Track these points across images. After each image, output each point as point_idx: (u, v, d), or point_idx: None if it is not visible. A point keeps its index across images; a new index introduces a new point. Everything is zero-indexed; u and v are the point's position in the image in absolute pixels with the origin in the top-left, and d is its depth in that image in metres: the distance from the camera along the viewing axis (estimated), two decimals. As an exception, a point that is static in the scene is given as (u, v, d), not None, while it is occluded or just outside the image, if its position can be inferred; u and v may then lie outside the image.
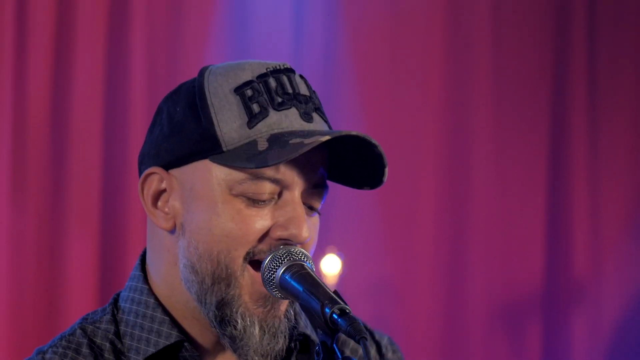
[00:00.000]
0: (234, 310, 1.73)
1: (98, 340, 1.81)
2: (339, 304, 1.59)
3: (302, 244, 1.73)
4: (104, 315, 1.84)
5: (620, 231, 5.04)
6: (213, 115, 1.73)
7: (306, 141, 1.67)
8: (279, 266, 1.69)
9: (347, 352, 1.91)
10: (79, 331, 1.83)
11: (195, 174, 1.75)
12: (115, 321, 1.82)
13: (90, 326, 1.83)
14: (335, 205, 4.80)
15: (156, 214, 1.79)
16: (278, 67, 1.78)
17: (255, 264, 1.73)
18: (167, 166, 1.77)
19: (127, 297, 1.83)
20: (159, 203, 1.79)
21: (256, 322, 1.73)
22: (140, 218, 4.42)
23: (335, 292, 1.63)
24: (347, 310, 1.58)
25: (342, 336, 1.90)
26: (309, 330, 1.85)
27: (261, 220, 1.72)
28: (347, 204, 4.82)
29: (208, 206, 1.73)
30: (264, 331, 1.73)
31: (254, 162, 1.68)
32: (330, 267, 4.69)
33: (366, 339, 1.53)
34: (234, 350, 1.75)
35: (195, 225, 1.74)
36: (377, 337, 2.01)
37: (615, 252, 5.03)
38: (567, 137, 5.04)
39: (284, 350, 1.76)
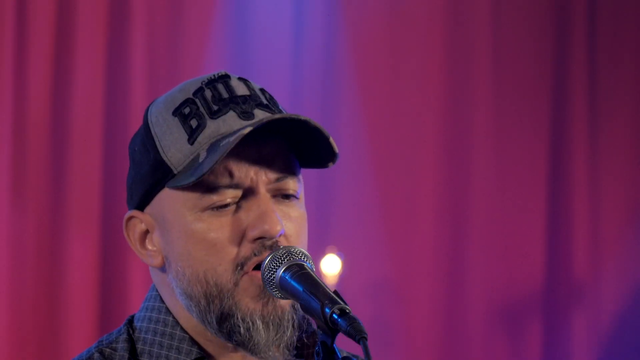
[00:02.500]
0: (235, 317, 1.73)
1: None
2: (339, 304, 1.59)
3: (279, 236, 1.73)
4: (120, 335, 1.84)
5: (620, 231, 5.03)
6: (157, 143, 1.75)
7: (232, 138, 1.68)
8: (279, 266, 1.69)
9: None
10: (96, 355, 1.81)
11: (161, 205, 1.77)
12: (131, 340, 1.82)
13: (108, 349, 1.82)
14: (335, 205, 4.80)
15: (145, 254, 1.82)
16: (213, 77, 1.79)
17: (246, 272, 1.74)
18: (141, 206, 1.80)
19: (144, 316, 1.83)
20: (146, 243, 1.81)
21: (257, 319, 1.73)
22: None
23: (335, 292, 1.62)
24: (347, 310, 1.58)
25: None
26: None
27: (232, 226, 1.74)
28: (347, 203, 4.83)
29: (181, 231, 1.75)
30: (268, 324, 1.73)
31: (193, 176, 1.70)
32: (330, 267, 4.69)
33: (366, 339, 1.53)
34: (252, 353, 1.75)
35: (176, 253, 1.76)
36: None
37: (615, 252, 5.03)
38: (567, 137, 5.04)
39: (295, 340, 1.76)
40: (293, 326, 1.75)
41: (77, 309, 4.40)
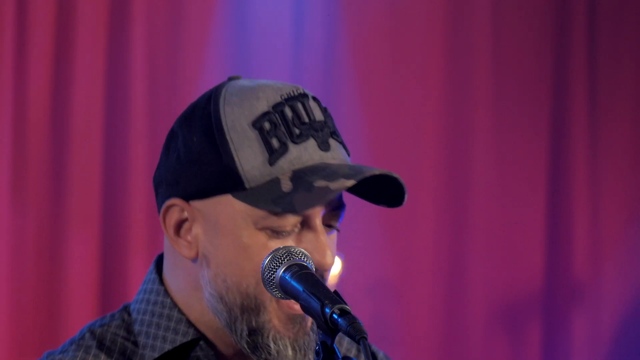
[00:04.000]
0: (266, 335, 1.75)
1: (107, 343, 1.83)
2: (339, 303, 1.59)
3: (325, 270, 1.77)
4: (113, 320, 1.86)
5: (620, 232, 5.03)
6: (233, 151, 1.74)
7: (332, 186, 1.71)
8: (279, 266, 1.69)
9: None
10: (87, 334, 1.84)
11: (217, 208, 1.76)
12: (125, 325, 1.85)
13: (99, 329, 1.85)
14: (335, 205, 4.80)
15: (179, 242, 1.80)
16: (292, 94, 1.79)
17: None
18: (188, 197, 1.78)
19: (142, 299, 1.86)
20: (181, 232, 1.80)
21: (288, 344, 1.75)
22: (141, 218, 4.42)
23: (335, 292, 1.63)
24: (348, 310, 1.58)
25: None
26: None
27: None
28: (347, 203, 4.82)
29: (233, 241, 1.75)
30: (296, 351, 1.76)
31: (280, 206, 1.71)
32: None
33: (366, 339, 1.53)
34: None
35: (222, 259, 1.76)
36: (373, 349, 2.02)
37: (615, 253, 5.03)
38: (568, 137, 5.04)
39: None
40: (312, 350, 1.77)
41: (77, 309, 4.40)
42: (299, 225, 1.76)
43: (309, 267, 1.70)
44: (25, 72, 4.41)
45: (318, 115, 1.79)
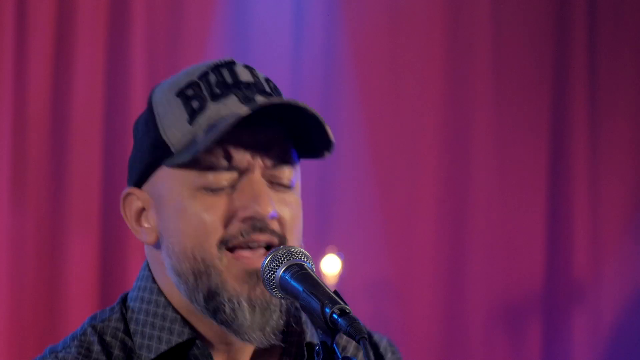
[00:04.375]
0: (221, 297, 1.75)
1: (107, 338, 1.83)
2: (339, 304, 1.59)
3: (271, 218, 1.76)
4: (113, 314, 1.86)
5: (620, 231, 5.04)
6: (158, 122, 1.79)
7: (228, 120, 1.71)
8: (279, 266, 1.69)
9: None
10: (89, 329, 1.85)
11: (158, 183, 1.80)
12: (124, 320, 1.85)
13: (100, 324, 1.85)
14: (335, 205, 4.80)
15: (139, 231, 1.83)
16: (219, 63, 1.83)
17: (232, 251, 1.76)
18: (138, 184, 1.83)
19: (137, 296, 1.85)
20: (142, 220, 1.83)
21: (243, 301, 1.74)
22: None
23: (335, 292, 1.63)
24: (347, 310, 1.58)
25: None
26: (315, 339, 1.85)
27: (224, 205, 1.76)
28: (347, 203, 4.83)
29: (174, 208, 1.77)
30: (254, 307, 1.75)
31: (189, 153, 1.73)
32: (330, 267, 4.69)
33: (366, 339, 1.53)
34: (235, 334, 1.76)
35: (169, 230, 1.78)
36: (375, 338, 2.02)
37: (615, 253, 5.03)
38: (568, 137, 5.04)
39: (282, 324, 1.77)
40: (280, 311, 1.77)
41: (77, 308, 4.40)
42: (236, 182, 1.77)
43: (309, 267, 1.70)
44: (25, 72, 4.41)
45: (245, 77, 1.81)
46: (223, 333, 1.79)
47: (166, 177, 1.78)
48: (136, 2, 4.55)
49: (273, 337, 1.76)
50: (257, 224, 1.75)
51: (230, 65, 1.82)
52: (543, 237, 5.00)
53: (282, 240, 1.77)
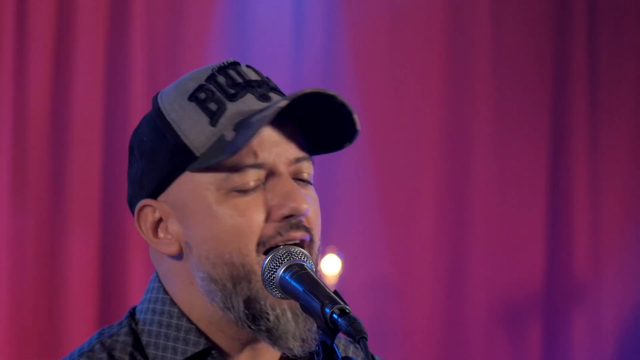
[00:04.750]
0: (262, 303, 1.72)
1: (117, 354, 1.78)
2: (339, 304, 1.59)
3: (305, 216, 1.74)
4: (121, 328, 1.82)
5: (620, 231, 5.04)
6: (176, 128, 1.75)
7: (267, 112, 1.69)
8: (279, 266, 1.69)
9: None
10: (97, 346, 1.80)
11: (181, 190, 1.76)
12: (133, 334, 1.80)
13: (109, 340, 1.80)
14: (335, 205, 4.80)
15: (159, 242, 1.78)
16: (223, 64, 1.80)
17: (269, 252, 1.73)
18: (154, 195, 1.78)
19: (147, 308, 1.81)
20: (160, 233, 1.78)
21: (287, 309, 1.72)
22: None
23: (335, 292, 1.62)
24: (347, 310, 1.57)
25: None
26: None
27: (257, 206, 1.73)
28: (347, 203, 4.83)
29: (204, 214, 1.74)
30: (297, 315, 1.72)
31: (226, 152, 1.69)
32: (330, 267, 4.69)
33: (366, 339, 1.53)
34: (274, 343, 1.73)
35: (199, 237, 1.74)
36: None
37: (615, 253, 5.03)
38: (568, 137, 5.04)
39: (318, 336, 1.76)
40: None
41: (77, 309, 4.40)
42: (264, 180, 1.74)
43: (309, 267, 1.70)
44: (25, 72, 4.41)
45: (253, 76, 1.79)
46: (242, 347, 1.77)
47: (190, 183, 1.74)
48: (136, 2, 4.55)
49: (312, 346, 1.74)
50: (293, 222, 1.73)
51: (235, 66, 1.80)
52: (543, 237, 5.00)
53: (312, 236, 1.76)
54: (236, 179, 1.72)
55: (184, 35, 4.63)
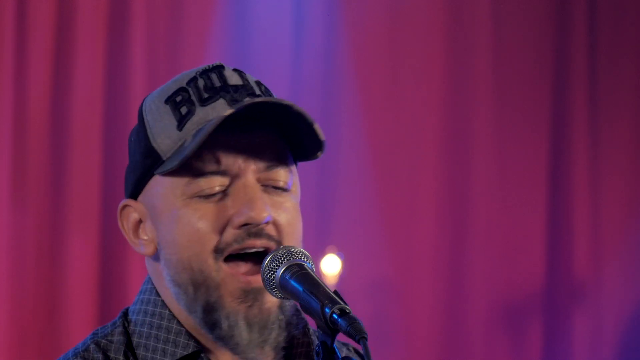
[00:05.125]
0: (219, 312, 1.73)
1: (112, 355, 1.79)
2: (339, 304, 1.59)
3: (265, 222, 1.73)
4: (115, 328, 1.82)
5: (621, 232, 5.03)
6: (148, 130, 1.77)
7: (214, 121, 1.69)
8: (279, 266, 1.69)
9: None
10: (92, 346, 1.81)
11: (152, 193, 1.77)
12: (127, 334, 1.81)
13: (103, 340, 1.81)
14: (335, 205, 4.80)
15: (137, 243, 1.81)
16: (208, 67, 1.80)
17: (230, 259, 1.73)
18: (133, 196, 1.80)
19: (140, 309, 1.82)
20: (140, 232, 1.80)
21: (240, 319, 1.72)
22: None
23: (335, 292, 1.62)
24: (347, 310, 1.57)
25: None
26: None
27: (218, 212, 1.73)
28: (347, 203, 4.82)
29: (169, 217, 1.75)
30: (251, 326, 1.72)
31: (176, 160, 1.70)
32: (330, 267, 4.69)
33: (366, 339, 1.53)
34: (233, 352, 1.75)
35: (164, 240, 1.76)
36: None
37: (616, 253, 5.03)
38: (568, 137, 5.04)
39: (282, 340, 1.75)
40: (280, 327, 1.75)
41: (77, 309, 4.40)
42: (229, 187, 1.74)
43: (309, 267, 1.69)
44: (25, 73, 4.41)
45: (235, 80, 1.78)
46: (228, 350, 1.77)
47: (158, 186, 1.76)
48: (136, 2, 4.54)
49: (273, 353, 1.75)
50: (252, 230, 1.73)
51: (219, 69, 1.79)
52: (543, 237, 5.00)
53: (279, 245, 1.74)
54: (199, 184, 1.73)
55: (184, 35, 4.63)
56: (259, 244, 1.73)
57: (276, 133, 1.77)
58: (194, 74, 1.79)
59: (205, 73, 1.78)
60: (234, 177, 1.74)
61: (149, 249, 1.79)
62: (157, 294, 1.81)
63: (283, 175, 1.77)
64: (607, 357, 4.99)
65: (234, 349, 1.74)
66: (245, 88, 1.78)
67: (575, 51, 5.05)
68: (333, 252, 4.71)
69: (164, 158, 1.74)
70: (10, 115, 4.37)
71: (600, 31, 5.07)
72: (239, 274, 1.73)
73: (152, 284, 1.82)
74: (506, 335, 4.95)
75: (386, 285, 4.87)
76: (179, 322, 1.78)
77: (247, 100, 1.75)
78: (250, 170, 1.74)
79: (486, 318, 4.92)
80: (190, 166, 1.72)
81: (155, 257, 1.79)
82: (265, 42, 4.75)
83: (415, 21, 4.93)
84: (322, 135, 1.75)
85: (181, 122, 1.74)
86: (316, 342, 1.82)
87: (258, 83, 1.81)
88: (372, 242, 4.85)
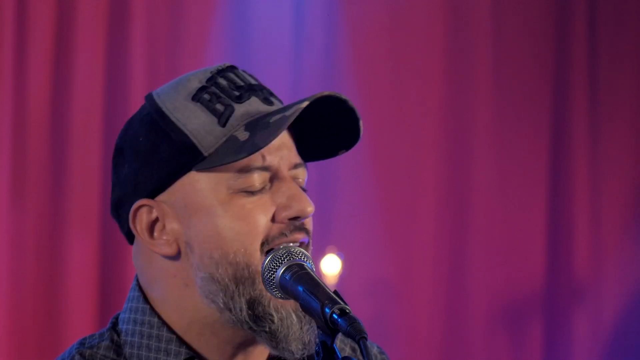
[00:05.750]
0: (266, 304, 1.72)
1: None
2: (339, 304, 1.59)
3: (308, 217, 1.75)
4: (102, 340, 1.81)
5: (620, 231, 5.04)
6: (182, 127, 1.75)
7: (287, 113, 1.69)
8: (279, 266, 1.69)
9: None
10: (77, 356, 1.79)
11: (184, 190, 1.75)
12: (115, 346, 1.80)
13: (88, 351, 1.80)
14: (335, 205, 4.80)
15: (156, 243, 1.77)
16: (221, 67, 1.80)
17: (269, 252, 1.73)
18: (152, 194, 1.77)
19: (129, 318, 1.81)
20: (155, 233, 1.77)
21: (291, 311, 1.72)
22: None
23: (335, 292, 1.63)
24: (347, 310, 1.58)
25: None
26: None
27: (263, 207, 1.73)
28: (348, 203, 4.83)
29: (209, 214, 1.73)
30: (301, 318, 1.72)
31: (244, 151, 1.70)
32: (330, 267, 4.69)
33: (366, 339, 1.53)
34: (275, 345, 1.73)
35: (203, 237, 1.74)
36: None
37: (615, 252, 5.03)
38: (568, 137, 5.04)
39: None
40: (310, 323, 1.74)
41: (77, 309, 4.40)
42: (268, 183, 1.75)
43: (309, 267, 1.70)
44: (25, 72, 4.41)
45: (252, 80, 1.80)
46: (233, 347, 1.77)
47: (194, 184, 1.74)
48: (136, 2, 4.55)
49: (311, 350, 1.74)
50: (297, 224, 1.74)
51: (233, 69, 1.81)
52: (544, 237, 5.00)
53: (309, 238, 1.77)
54: (244, 180, 1.73)
55: (184, 35, 4.63)
56: (301, 237, 1.75)
57: (293, 133, 1.79)
58: (209, 74, 1.79)
59: (221, 73, 1.79)
60: (274, 172, 1.75)
61: (170, 249, 1.76)
62: (145, 302, 1.79)
63: (303, 173, 1.80)
64: (607, 357, 4.99)
65: (280, 341, 1.72)
66: (264, 88, 1.80)
67: (575, 51, 5.05)
68: (333, 252, 4.71)
69: (205, 153, 1.72)
70: (10, 115, 4.37)
71: (600, 31, 5.08)
72: None
73: (140, 291, 1.81)
74: (506, 335, 4.95)
75: (386, 285, 4.87)
76: (169, 328, 1.77)
77: (276, 101, 1.78)
78: (285, 166, 1.76)
79: (486, 318, 4.92)
80: (235, 162, 1.72)
81: (174, 257, 1.76)
82: (265, 42, 4.76)
83: (415, 21, 4.94)
84: (361, 130, 1.78)
85: (222, 118, 1.74)
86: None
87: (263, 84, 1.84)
88: (372, 242, 4.85)
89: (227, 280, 1.72)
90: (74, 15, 4.47)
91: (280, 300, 1.71)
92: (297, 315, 1.72)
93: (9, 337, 4.35)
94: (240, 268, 1.72)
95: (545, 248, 5.00)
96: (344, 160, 4.78)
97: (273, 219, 1.73)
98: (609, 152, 5.04)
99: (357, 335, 1.54)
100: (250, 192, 1.73)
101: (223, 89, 1.77)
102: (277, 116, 1.70)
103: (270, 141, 1.68)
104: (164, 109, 1.78)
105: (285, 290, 1.68)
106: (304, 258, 1.70)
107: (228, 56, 4.69)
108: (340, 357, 1.60)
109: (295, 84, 4.80)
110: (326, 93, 1.72)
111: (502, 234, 4.95)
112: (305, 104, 1.69)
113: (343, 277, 4.69)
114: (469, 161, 4.96)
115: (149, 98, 1.83)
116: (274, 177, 1.75)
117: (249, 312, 1.72)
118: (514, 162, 4.99)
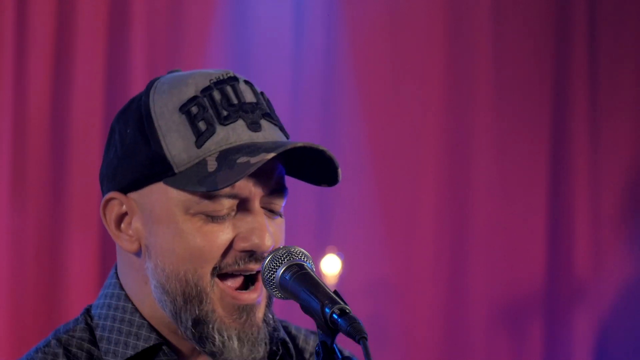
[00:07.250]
0: (210, 326, 1.74)
1: (73, 349, 1.82)
2: (339, 304, 1.59)
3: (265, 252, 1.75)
4: (77, 324, 1.86)
5: (621, 231, 5.04)
6: (161, 138, 1.75)
7: (252, 160, 1.69)
8: (279, 266, 1.69)
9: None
10: (53, 342, 1.84)
11: (152, 197, 1.77)
12: (89, 329, 1.84)
13: (65, 335, 1.84)
14: (336, 205, 4.80)
15: (121, 237, 1.81)
16: (221, 78, 1.79)
17: (223, 277, 1.75)
18: (125, 190, 1.80)
19: (103, 304, 1.85)
20: (122, 226, 1.81)
21: (234, 335, 1.74)
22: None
23: (335, 292, 1.63)
24: (347, 310, 1.58)
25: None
26: (287, 337, 1.87)
27: (223, 234, 1.74)
28: (348, 204, 4.82)
29: (169, 228, 1.75)
30: (243, 342, 1.74)
31: (204, 185, 1.70)
32: (330, 267, 4.69)
33: (366, 339, 1.53)
34: None
35: (159, 248, 1.76)
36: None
37: (616, 252, 5.03)
38: (568, 137, 5.04)
39: (266, 357, 1.78)
40: (265, 343, 1.77)
41: (77, 309, 4.38)
42: (235, 209, 1.75)
43: (309, 267, 1.70)
44: (25, 72, 4.41)
45: (249, 98, 1.79)
46: (192, 346, 1.79)
47: (162, 194, 1.76)
48: (136, 2, 4.54)
49: None
50: (255, 256, 1.75)
51: (232, 81, 1.79)
52: (544, 237, 5.00)
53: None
54: (209, 205, 1.74)
55: (184, 35, 4.63)
56: (255, 268, 1.76)
57: (280, 158, 1.78)
58: (207, 83, 1.78)
59: (219, 84, 1.78)
60: (243, 200, 1.75)
61: (133, 246, 1.80)
62: (121, 288, 1.83)
63: (280, 202, 1.79)
64: (607, 357, 4.99)
65: None
66: (258, 106, 1.79)
67: (575, 51, 5.05)
68: (333, 252, 4.71)
69: (176, 170, 1.74)
70: (10, 115, 4.37)
71: (600, 31, 5.07)
72: (233, 290, 1.75)
73: (117, 278, 1.85)
74: (506, 335, 4.95)
75: (386, 285, 4.87)
76: (141, 315, 1.80)
77: (265, 124, 1.77)
78: (257, 194, 1.76)
79: (486, 318, 4.92)
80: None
81: (138, 254, 1.80)
82: (265, 42, 4.75)
83: (415, 21, 4.94)
84: (340, 177, 1.79)
85: (200, 139, 1.74)
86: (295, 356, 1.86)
87: (262, 94, 1.82)
88: (372, 242, 4.85)
89: (176, 295, 1.75)
90: (74, 15, 4.47)
91: (227, 321, 1.73)
92: (239, 340, 1.74)
93: (9, 337, 4.35)
94: (189, 286, 1.74)
95: (545, 248, 5.00)
96: (344, 160, 4.78)
97: (230, 246, 1.74)
98: (609, 152, 5.04)
99: (357, 335, 1.54)
100: (212, 217, 1.74)
101: (214, 104, 1.76)
102: (245, 159, 1.70)
103: (229, 185, 1.69)
104: (152, 111, 1.77)
105: (285, 290, 1.68)
106: (304, 258, 1.71)
107: (228, 56, 4.69)
108: (340, 357, 1.60)
109: (295, 84, 4.80)
110: (299, 144, 1.72)
111: (502, 234, 4.95)
112: (270, 155, 1.69)
113: (343, 277, 4.69)
114: (469, 161, 4.96)
115: (149, 87, 1.82)
116: (242, 205, 1.75)
117: (193, 330, 1.75)
118: (514, 162, 4.98)
